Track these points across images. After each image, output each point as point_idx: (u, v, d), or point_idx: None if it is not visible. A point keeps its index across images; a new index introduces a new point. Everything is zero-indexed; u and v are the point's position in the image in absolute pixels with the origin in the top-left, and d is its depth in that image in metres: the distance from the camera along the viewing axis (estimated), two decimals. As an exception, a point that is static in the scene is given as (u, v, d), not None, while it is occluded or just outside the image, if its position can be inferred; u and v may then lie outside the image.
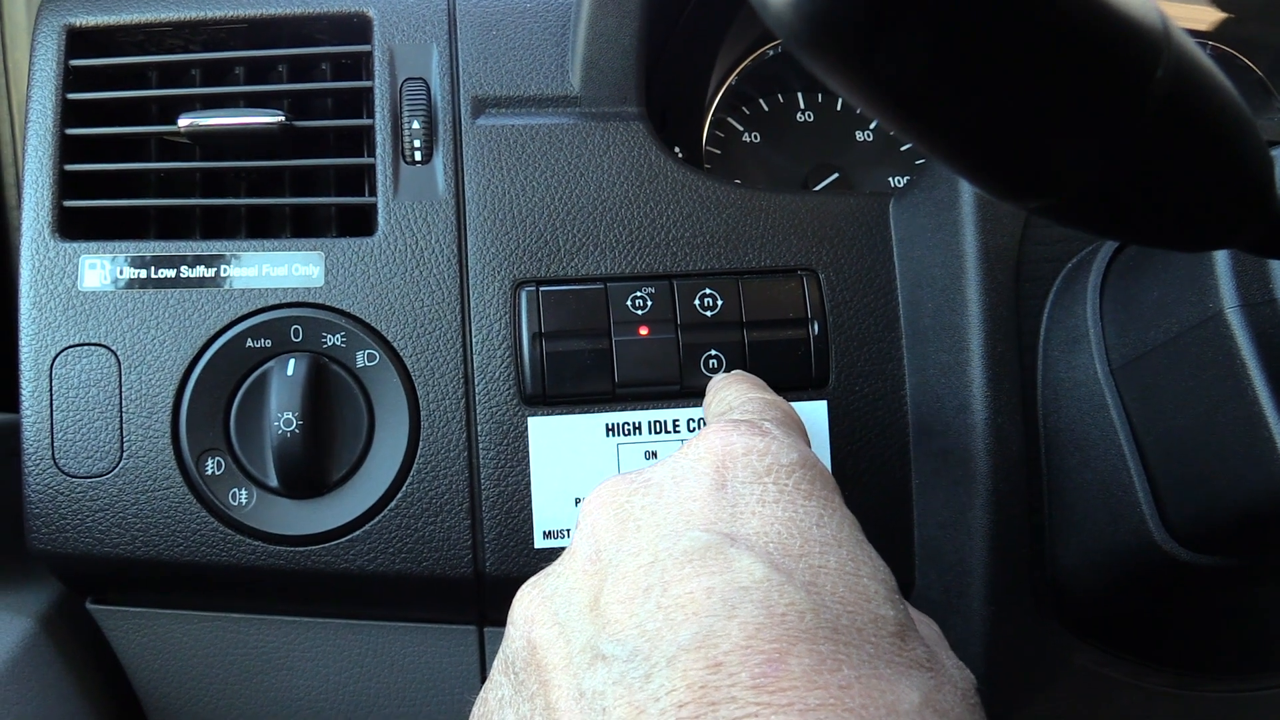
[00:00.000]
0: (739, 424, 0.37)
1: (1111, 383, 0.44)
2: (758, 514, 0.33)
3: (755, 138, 0.70)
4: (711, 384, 0.49)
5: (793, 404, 0.51)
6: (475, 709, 0.37)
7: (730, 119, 0.69)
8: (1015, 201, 0.23)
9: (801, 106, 0.70)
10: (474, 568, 0.51)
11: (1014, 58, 0.20)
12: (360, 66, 0.56)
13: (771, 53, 0.70)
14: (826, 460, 0.52)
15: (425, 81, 0.54)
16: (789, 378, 0.52)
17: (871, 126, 0.70)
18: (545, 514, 0.51)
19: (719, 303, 0.52)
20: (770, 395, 0.45)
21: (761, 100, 0.70)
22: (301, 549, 0.50)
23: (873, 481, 0.52)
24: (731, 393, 0.45)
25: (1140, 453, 0.43)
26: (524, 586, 0.36)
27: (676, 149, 0.64)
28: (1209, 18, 0.71)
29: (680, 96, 0.65)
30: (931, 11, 0.18)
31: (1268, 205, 0.27)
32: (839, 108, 0.70)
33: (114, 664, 0.54)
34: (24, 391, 0.51)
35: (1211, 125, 0.24)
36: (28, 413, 0.50)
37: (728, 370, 0.51)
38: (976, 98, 0.20)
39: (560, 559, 0.36)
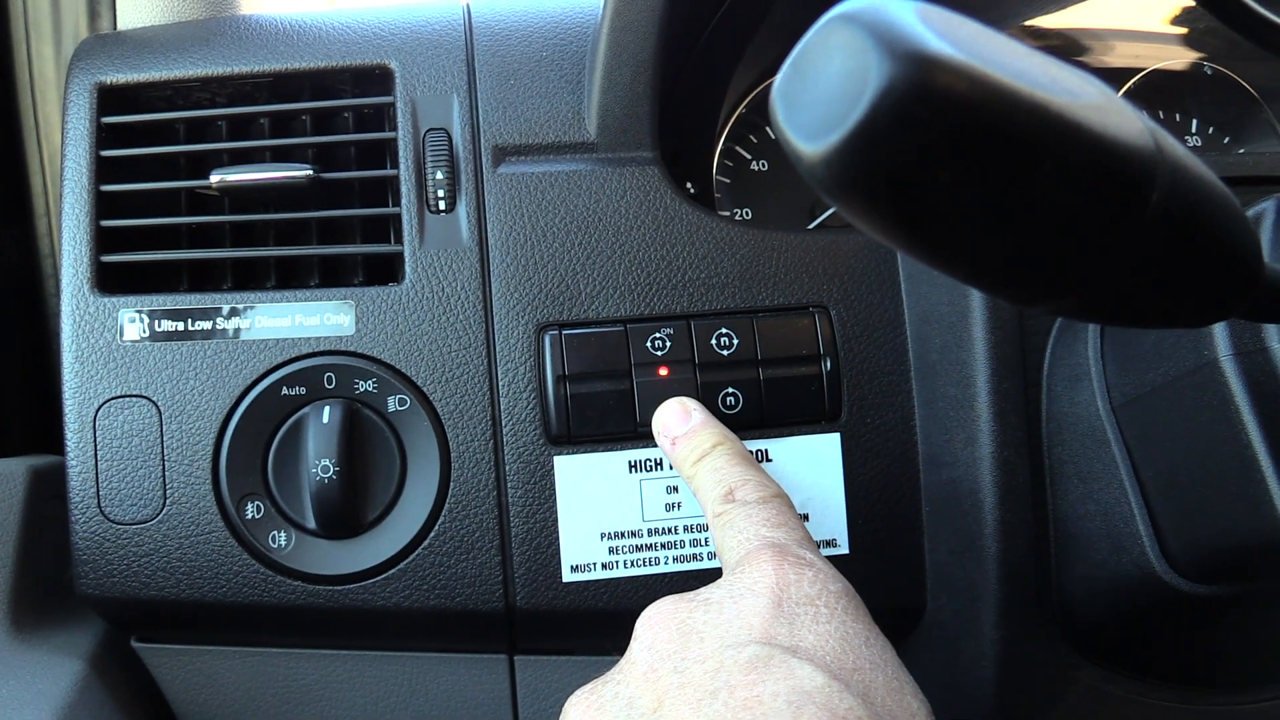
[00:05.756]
0: (786, 554, 0.39)
1: (1113, 419, 0.46)
2: (814, 630, 0.36)
3: (763, 165, 0.71)
4: (670, 431, 0.50)
5: (807, 436, 0.54)
6: None
7: (739, 148, 0.71)
8: (1025, 307, 0.25)
9: (806, 135, 0.72)
10: (505, 602, 0.53)
11: (1022, 199, 0.22)
12: (383, 117, 0.58)
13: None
14: (840, 490, 0.54)
15: (447, 131, 0.56)
16: (803, 412, 0.54)
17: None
18: (572, 549, 0.53)
19: (735, 341, 0.54)
20: (762, 474, 0.46)
21: (769, 129, 0.71)
22: (339, 588, 0.53)
23: (885, 510, 0.54)
24: (723, 465, 0.46)
25: (1141, 487, 0.45)
26: (576, 695, 0.38)
27: (689, 184, 0.66)
28: (1187, 56, 0.72)
29: (691, 133, 0.67)
30: (949, 173, 0.21)
31: (1258, 280, 0.29)
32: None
33: (159, 699, 0.56)
34: (69, 442, 0.53)
35: (1205, 226, 0.26)
36: (73, 462, 0.52)
37: (742, 408, 0.53)
38: (988, 234, 0.22)
39: (616, 669, 0.38)
